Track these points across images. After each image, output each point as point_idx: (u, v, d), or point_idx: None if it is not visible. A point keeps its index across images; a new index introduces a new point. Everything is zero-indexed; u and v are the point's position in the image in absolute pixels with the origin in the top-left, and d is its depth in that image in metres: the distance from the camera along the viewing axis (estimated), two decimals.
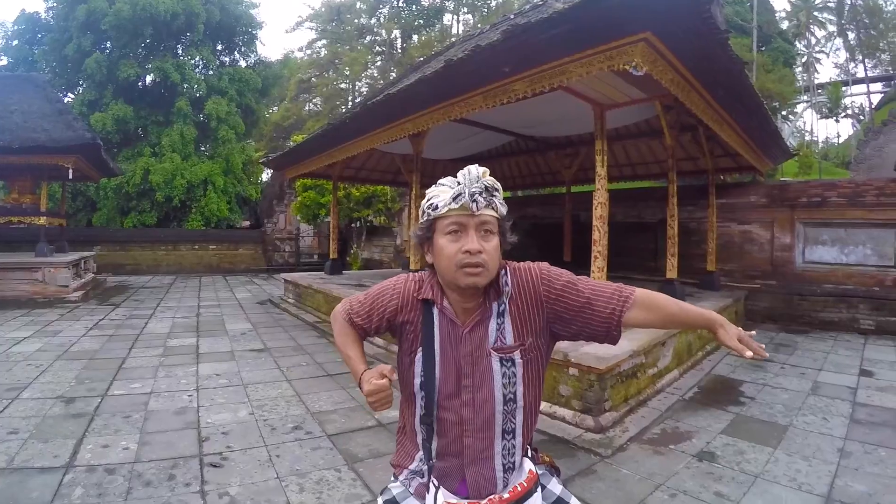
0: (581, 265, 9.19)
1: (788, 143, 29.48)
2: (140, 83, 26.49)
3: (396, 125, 8.40)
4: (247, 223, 30.14)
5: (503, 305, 1.74)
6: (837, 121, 50.35)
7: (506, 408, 1.71)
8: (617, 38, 4.86)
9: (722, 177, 12.39)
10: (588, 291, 1.72)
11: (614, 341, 1.75)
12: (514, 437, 1.75)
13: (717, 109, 7.24)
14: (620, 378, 5.29)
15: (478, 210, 1.62)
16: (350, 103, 44.42)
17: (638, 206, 13.22)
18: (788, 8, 55.48)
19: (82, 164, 14.08)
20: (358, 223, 23.50)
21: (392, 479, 1.92)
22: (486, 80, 6.23)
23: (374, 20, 47.25)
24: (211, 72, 28.03)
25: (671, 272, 8.56)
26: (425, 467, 1.78)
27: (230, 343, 8.57)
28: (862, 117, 48.87)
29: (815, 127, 62.83)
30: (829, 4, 53.90)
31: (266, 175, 33.32)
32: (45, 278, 12.80)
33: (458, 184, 1.63)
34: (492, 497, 1.71)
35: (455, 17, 47.96)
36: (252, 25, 29.91)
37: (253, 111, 30.01)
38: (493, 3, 43.78)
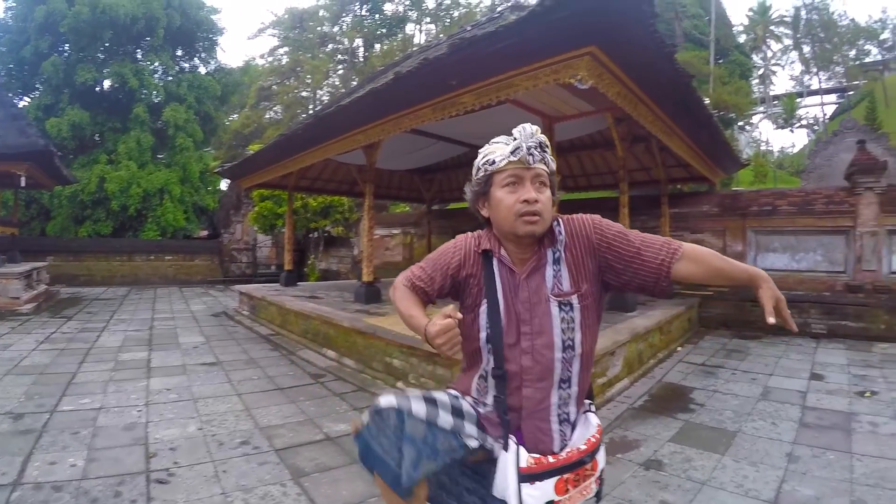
0: None
1: (745, 153, 30.25)
2: (98, 88, 25.91)
3: (349, 136, 8.39)
4: (204, 233, 29.66)
5: (558, 253, 1.84)
6: (792, 131, 51.97)
7: (564, 355, 1.78)
8: (562, 52, 4.91)
9: (679, 186, 12.61)
10: (638, 242, 1.80)
11: (663, 293, 1.82)
12: (569, 387, 1.83)
13: (665, 122, 7.37)
14: None
15: (533, 163, 1.76)
16: (311, 111, 44.26)
17: None
18: (746, 22, 57.19)
19: (35, 171, 13.75)
20: (315, 234, 23.33)
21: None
22: (434, 92, 6.26)
23: (336, 28, 47.25)
24: (170, 78, 27.61)
25: None
26: (491, 408, 1.85)
27: (182, 357, 8.39)
28: (816, 127, 50.33)
29: (771, 137, 64.46)
30: (785, 19, 55.58)
31: (224, 184, 32.96)
32: None
33: (515, 139, 1.77)
34: (571, 450, 1.79)
35: (418, 26, 48.14)
36: (213, 31, 29.54)
37: (212, 119, 29.58)
38: (456, 14, 44.01)
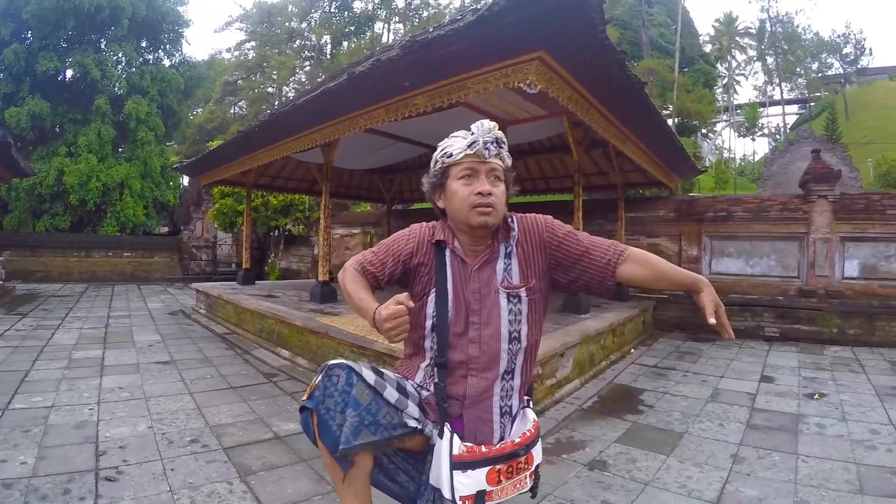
0: None
1: (707, 160, 30.76)
2: (59, 78, 25.27)
3: (306, 135, 8.34)
4: (165, 229, 29.24)
5: (510, 248, 1.93)
6: (754, 139, 53.12)
7: (510, 346, 1.87)
8: (512, 57, 4.95)
9: (641, 191, 12.78)
10: (587, 242, 1.95)
11: (608, 292, 1.95)
12: (512, 379, 1.92)
13: (619, 127, 7.47)
14: None
15: (489, 157, 1.85)
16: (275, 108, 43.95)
17: None
18: (712, 32, 58.11)
19: None
20: (276, 232, 23.18)
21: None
22: (387, 93, 6.26)
23: (304, 24, 47.02)
24: (133, 69, 27.09)
25: None
26: (431, 393, 1.91)
27: (136, 355, 8.28)
28: (778, 137, 51.50)
29: (734, 145, 65.66)
30: (750, 30, 56.64)
31: (185, 180, 32.52)
32: None
33: (472, 133, 1.86)
34: (505, 442, 1.86)
35: (386, 25, 48.10)
36: (179, 23, 29.02)
37: (175, 112, 29.09)
38: (425, 14, 44.05)
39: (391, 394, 1.80)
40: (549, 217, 2.03)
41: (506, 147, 1.92)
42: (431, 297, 1.89)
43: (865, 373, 7.63)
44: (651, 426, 5.36)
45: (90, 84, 24.64)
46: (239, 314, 10.31)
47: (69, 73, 25.73)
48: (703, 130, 42.90)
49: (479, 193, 1.80)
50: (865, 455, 4.56)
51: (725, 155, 51.54)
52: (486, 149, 1.84)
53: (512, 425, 1.94)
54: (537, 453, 1.97)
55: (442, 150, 1.92)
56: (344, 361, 1.84)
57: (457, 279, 1.89)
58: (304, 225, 22.08)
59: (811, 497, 3.77)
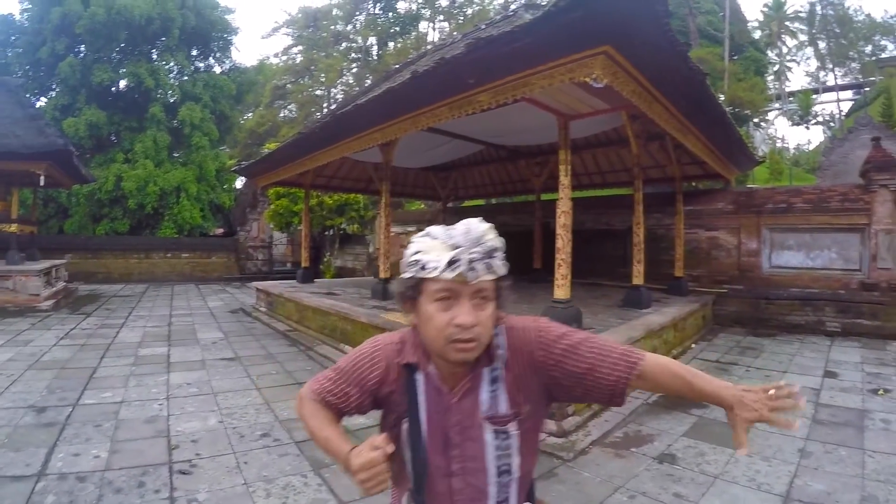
0: (551, 271, 9.29)
1: (760, 150, 30.04)
2: (114, 88, 26.20)
3: (366, 135, 8.47)
4: (220, 231, 29.88)
5: (497, 371, 1.53)
6: (808, 128, 51.42)
7: (500, 479, 1.53)
8: (577, 52, 4.97)
9: (694, 184, 12.60)
10: (591, 357, 1.51)
11: (618, 404, 1.56)
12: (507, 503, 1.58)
13: (680, 119, 7.41)
14: None
15: (475, 279, 1.38)
16: (325, 110, 44.34)
17: (608, 214, 13.43)
18: (760, 17, 56.46)
19: (54, 170, 13.95)
20: (331, 231, 23.47)
21: None
22: (451, 91, 6.33)
23: (350, 27, 47.28)
24: (185, 77, 27.84)
25: (637, 278, 8.71)
26: None
27: (201, 352, 8.54)
28: (832, 124, 49.79)
29: (787, 134, 63.90)
30: (800, 14, 54.88)
31: (239, 182, 33.09)
32: (15, 287, 12.64)
33: (455, 246, 1.39)
34: None
35: (431, 24, 48.06)
36: (227, 31, 29.73)
37: (227, 117, 29.82)
38: (469, 12, 43.92)
39: None
40: (545, 324, 1.60)
41: (500, 253, 1.44)
42: (405, 427, 1.54)
43: None
44: (717, 420, 5.33)
45: (144, 93, 25.45)
46: (301, 311, 10.53)
47: (123, 83, 26.56)
48: (756, 120, 41.76)
49: (459, 325, 1.38)
50: None
51: (779, 145, 50.16)
52: (472, 269, 1.37)
53: None
54: None
55: (415, 253, 1.44)
56: None
57: (432, 411, 1.53)
58: (358, 224, 22.32)
59: (879, 492, 3.76)
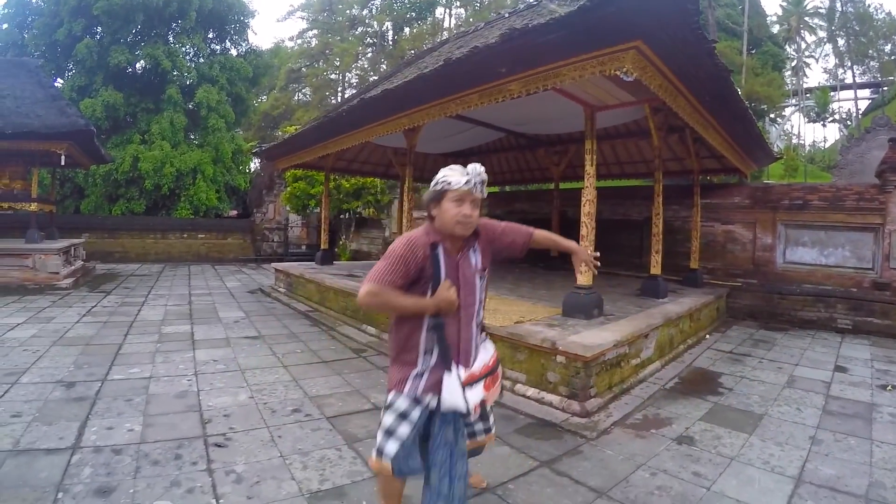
0: (567, 260, 9.35)
1: (776, 146, 29.96)
2: (130, 70, 26.19)
3: (392, 120, 8.55)
4: (234, 213, 29.97)
5: (475, 246, 2.79)
6: (825, 125, 50.96)
7: (479, 306, 2.81)
8: (609, 45, 5.07)
9: (710, 177, 12.67)
10: (512, 233, 2.97)
11: (519, 256, 3.06)
12: (479, 325, 2.83)
13: (703, 113, 7.50)
14: (605, 366, 5.55)
15: (476, 192, 2.61)
16: (340, 94, 44.47)
17: (625, 204, 13.52)
18: (780, 12, 55.98)
19: (74, 150, 14.07)
20: (347, 214, 23.58)
21: (392, 395, 2.74)
22: (482, 79, 6.42)
23: (365, 11, 47.24)
24: (202, 60, 27.86)
25: (655, 268, 8.80)
26: (432, 363, 2.66)
27: (224, 330, 8.66)
28: (849, 122, 49.42)
29: (803, 131, 63.29)
30: (819, 10, 54.40)
31: (254, 165, 33.22)
32: (35, 265, 12.77)
33: (468, 174, 2.59)
34: (486, 364, 2.73)
35: (447, 10, 47.99)
36: (244, 14, 29.70)
37: (243, 100, 29.88)
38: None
39: (415, 413, 2.66)
40: (493, 222, 2.97)
41: (486, 184, 2.71)
42: (432, 283, 2.60)
43: None
44: (732, 407, 5.51)
45: (161, 75, 25.47)
46: (322, 292, 10.70)
47: (140, 64, 26.62)
48: (772, 115, 41.53)
49: (465, 214, 2.58)
50: None
51: (794, 141, 49.82)
52: (475, 187, 2.59)
53: (479, 352, 2.79)
54: (500, 369, 2.91)
55: (444, 175, 2.62)
56: (393, 438, 2.69)
57: (448, 267, 2.64)
58: (374, 208, 22.44)
59: (886, 479, 3.90)
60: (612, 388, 5.68)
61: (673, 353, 7.45)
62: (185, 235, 23.49)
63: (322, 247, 14.18)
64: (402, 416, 2.68)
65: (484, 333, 2.95)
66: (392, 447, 2.69)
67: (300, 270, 12.13)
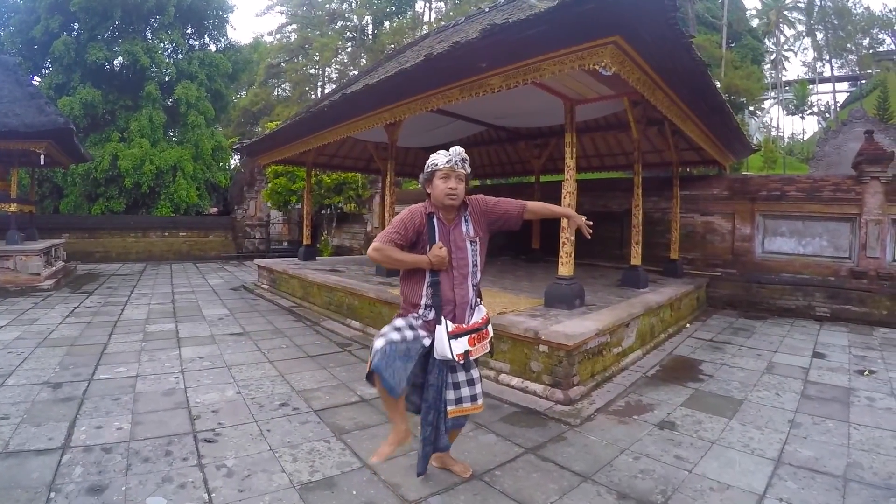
0: (548, 252, 9.41)
1: (755, 138, 30.25)
2: (108, 67, 25.76)
3: (374, 114, 8.56)
4: (215, 210, 29.75)
5: (466, 216, 3.30)
6: (803, 118, 51.54)
7: (473, 269, 3.27)
8: (589, 40, 5.15)
9: (689, 169, 12.82)
10: (505, 205, 3.39)
11: (516, 227, 3.47)
12: (475, 287, 3.33)
13: (681, 107, 7.61)
14: (587, 355, 5.65)
15: (457, 168, 3.17)
16: (320, 89, 44.31)
17: (605, 196, 13.63)
18: (759, 6, 56.49)
19: (54, 149, 13.90)
20: (329, 210, 23.56)
21: (397, 318, 3.28)
22: (464, 74, 6.47)
23: (345, 5, 47.08)
24: (181, 56, 27.53)
25: (635, 259, 8.93)
26: (431, 313, 3.19)
27: (209, 328, 8.63)
28: (827, 115, 49.99)
29: (782, 123, 63.93)
30: (798, 4, 54.98)
31: (234, 161, 32.99)
32: (16, 266, 12.59)
33: (450, 155, 3.16)
34: (475, 321, 3.25)
35: (427, 4, 47.97)
36: (223, 9, 29.31)
37: (223, 96, 29.61)
38: None
39: (410, 333, 3.14)
40: (483, 196, 3.42)
41: (468, 162, 3.26)
42: (428, 247, 3.14)
43: None
44: (712, 393, 5.64)
45: (139, 71, 25.07)
46: (305, 288, 10.71)
47: (118, 61, 26.17)
48: (751, 108, 41.95)
49: (450, 188, 3.13)
50: None
51: (773, 133, 50.32)
52: (456, 164, 3.15)
53: (474, 313, 3.29)
54: (490, 330, 3.37)
55: (432, 159, 3.19)
56: (384, 338, 3.09)
57: (442, 234, 3.18)
58: (355, 203, 22.41)
59: (863, 459, 4.03)
60: (594, 377, 5.77)
61: (654, 342, 7.58)
62: (167, 234, 23.24)
63: (304, 242, 14.16)
64: (396, 328, 3.16)
65: (479, 298, 3.40)
66: (378, 349, 3.06)
67: (283, 266, 12.12)
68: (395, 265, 3.18)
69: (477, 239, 3.28)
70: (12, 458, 3.81)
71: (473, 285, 3.28)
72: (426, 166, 3.21)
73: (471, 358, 3.20)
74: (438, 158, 3.17)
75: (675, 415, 4.96)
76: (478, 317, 3.27)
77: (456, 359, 3.07)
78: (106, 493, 3.35)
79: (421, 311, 3.22)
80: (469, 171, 3.27)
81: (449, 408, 3.27)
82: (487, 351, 3.38)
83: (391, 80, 7.19)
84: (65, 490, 3.38)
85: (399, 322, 3.20)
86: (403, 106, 7.83)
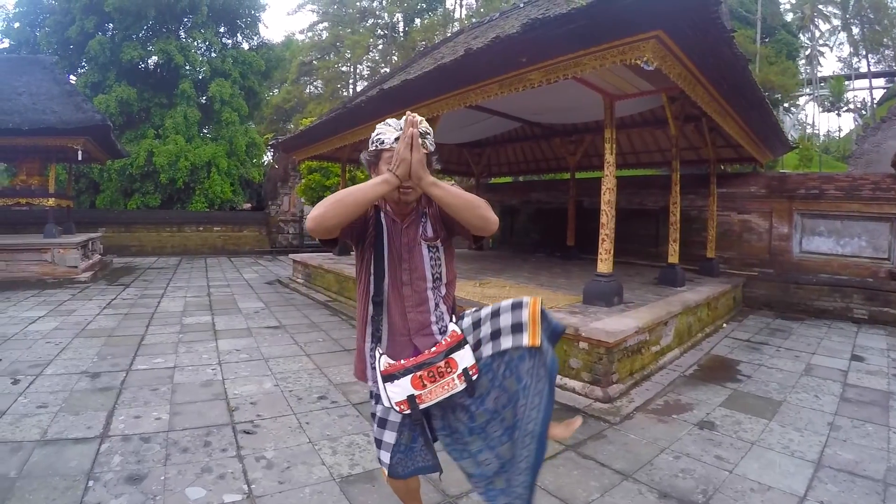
0: (584, 249, 9.36)
1: (790, 136, 29.75)
2: (143, 65, 26.37)
3: (412, 110, 8.51)
4: (248, 205, 30.14)
5: (424, 210, 2.28)
6: (839, 115, 50.40)
7: (434, 283, 2.29)
8: (630, 35, 5.12)
9: (724, 167, 12.66)
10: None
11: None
12: (445, 301, 2.34)
13: (720, 102, 7.51)
14: (627, 353, 5.62)
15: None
16: (351, 86, 44.54)
17: (640, 194, 13.51)
18: (793, 0, 55.36)
19: (91, 145, 14.18)
20: None
21: (369, 397, 2.47)
22: (503, 69, 6.46)
23: (376, 3, 47.18)
24: (214, 54, 27.99)
25: (673, 257, 8.86)
26: (375, 346, 2.24)
27: (245, 320, 8.74)
28: (864, 112, 48.91)
29: (817, 120, 62.63)
30: None
31: (267, 158, 33.30)
32: (54, 259, 12.90)
33: (401, 128, 2.04)
34: (429, 352, 2.18)
35: (458, 1, 47.88)
36: (255, 7, 29.73)
37: (256, 93, 30.01)
38: None
39: (395, 416, 2.31)
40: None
41: (430, 137, 2.12)
42: (373, 252, 2.24)
43: None
44: (751, 393, 5.57)
45: (174, 70, 25.61)
46: (340, 283, 10.79)
47: (152, 60, 26.73)
48: (786, 104, 41.23)
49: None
50: None
51: (809, 131, 49.44)
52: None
53: (439, 339, 2.26)
54: (460, 358, 2.15)
55: (377, 134, 2.14)
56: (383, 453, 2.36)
57: (391, 234, 2.24)
58: None
59: None
60: (633, 375, 5.75)
61: (691, 341, 7.51)
62: (201, 228, 23.65)
63: None
64: (382, 423, 2.37)
65: (453, 317, 2.35)
66: (385, 457, 2.37)
67: (319, 261, 12.23)
68: (339, 210, 1.95)
69: (438, 243, 2.29)
70: (51, 446, 3.88)
71: (437, 303, 2.30)
72: (370, 142, 2.19)
73: (420, 406, 2.13)
74: (385, 132, 2.12)
75: (715, 415, 4.92)
76: (429, 344, 2.24)
77: (396, 409, 2.13)
78: (145, 483, 3.40)
79: (368, 357, 2.30)
80: (433, 148, 2.18)
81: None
82: (461, 389, 2.15)
83: (428, 75, 7.21)
84: (103, 479, 3.43)
85: (377, 407, 2.40)
86: (441, 101, 7.82)
